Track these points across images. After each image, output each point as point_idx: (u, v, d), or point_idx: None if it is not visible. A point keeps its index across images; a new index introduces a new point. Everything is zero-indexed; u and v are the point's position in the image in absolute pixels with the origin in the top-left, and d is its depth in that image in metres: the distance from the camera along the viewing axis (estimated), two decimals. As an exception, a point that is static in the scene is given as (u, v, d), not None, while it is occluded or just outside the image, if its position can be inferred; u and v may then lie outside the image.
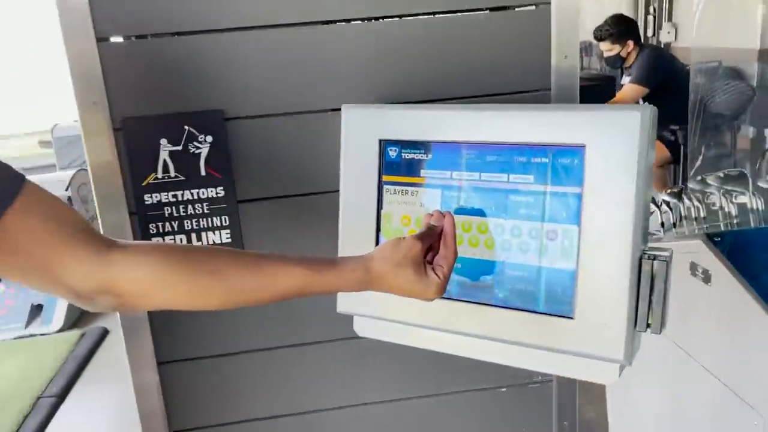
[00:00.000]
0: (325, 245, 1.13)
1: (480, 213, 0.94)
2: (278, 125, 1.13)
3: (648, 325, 0.85)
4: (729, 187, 1.66)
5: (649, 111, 0.83)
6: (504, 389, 1.31)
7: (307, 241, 1.18)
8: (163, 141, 1.11)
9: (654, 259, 0.84)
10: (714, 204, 1.83)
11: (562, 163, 0.88)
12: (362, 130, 1.02)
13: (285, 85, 1.12)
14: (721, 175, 1.67)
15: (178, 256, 0.76)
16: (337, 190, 1.06)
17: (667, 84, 3.42)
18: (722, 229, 1.67)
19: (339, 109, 1.06)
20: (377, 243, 1.02)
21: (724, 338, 1.46)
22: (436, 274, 0.84)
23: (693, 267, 1.55)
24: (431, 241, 0.87)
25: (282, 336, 1.23)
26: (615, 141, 0.84)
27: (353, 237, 1.04)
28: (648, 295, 0.85)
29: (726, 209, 1.74)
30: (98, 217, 1.12)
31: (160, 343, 1.20)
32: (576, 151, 0.87)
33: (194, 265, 0.76)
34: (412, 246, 0.83)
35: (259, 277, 0.79)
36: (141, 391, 1.21)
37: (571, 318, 0.88)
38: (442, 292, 0.85)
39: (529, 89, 1.15)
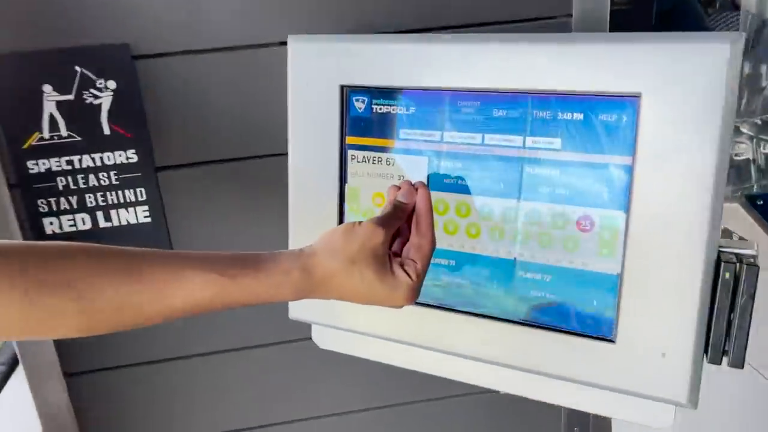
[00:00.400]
0: (274, 225, 0.86)
1: (483, 191, 0.67)
2: (207, 65, 0.84)
3: (724, 354, 0.60)
4: (764, 136, 1.40)
5: (741, 42, 0.55)
6: (502, 392, 1.06)
7: (251, 218, 0.91)
8: (47, 88, 0.81)
9: (739, 262, 0.58)
10: (740, 155, 1.56)
11: (605, 120, 0.60)
12: (317, 72, 0.73)
13: (214, 8, 0.82)
14: (758, 122, 1.40)
15: (11, 261, 0.49)
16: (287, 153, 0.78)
17: (673, 12, 3.11)
18: (755, 190, 1.42)
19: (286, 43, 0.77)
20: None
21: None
22: (407, 273, 0.58)
23: (726, 235, 1.29)
24: (399, 224, 0.61)
25: (218, 338, 0.96)
26: (689, 88, 0.56)
27: (308, 221, 0.77)
28: (727, 311, 0.59)
29: (758, 161, 1.48)
30: (-34, 191, 0.84)
31: (66, 350, 0.93)
32: (626, 103, 0.59)
33: (37, 276, 0.49)
34: (372, 234, 0.56)
35: (140, 288, 0.52)
36: (47, 411, 0.95)
37: (612, 341, 0.62)
38: (414, 298, 0.59)
39: (544, 15, 0.86)
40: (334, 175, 0.74)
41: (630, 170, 0.59)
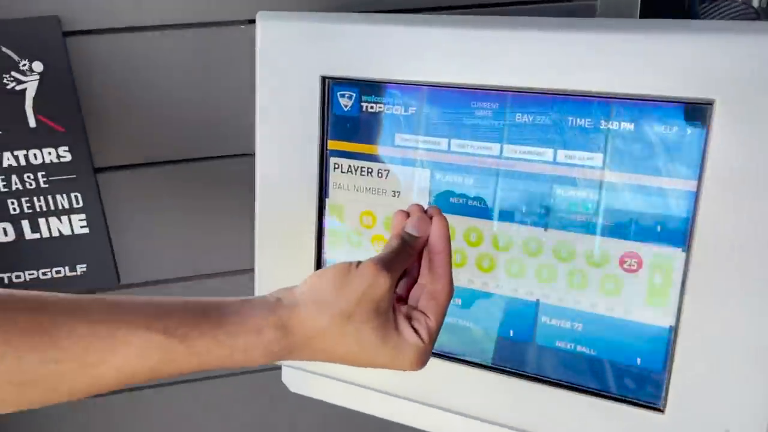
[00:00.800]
0: (238, 241, 0.72)
1: (499, 215, 0.53)
2: (157, 45, 0.68)
3: (803, 433, 0.48)
4: None
5: None
6: None
7: (211, 231, 0.76)
8: (-44, 69, 0.66)
9: (831, 321, 0.46)
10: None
11: (664, 133, 0.47)
12: (292, 59, 0.58)
13: (167, -23, 0.66)
14: None
15: None
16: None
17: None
18: None
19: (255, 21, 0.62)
20: (319, 256, 0.61)
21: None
22: (416, 331, 0.43)
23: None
24: (407, 265, 0.46)
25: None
26: (783, 96, 0.43)
27: (278, 242, 0.63)
28: (812, 383, 0.47)
29: None
30: None
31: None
32: (693, 111, 0.46)
33: None
34: (374, 281, 0.42)
35: (56, 355, 0.37)
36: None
37: (660, 410, 0.50)
38: (424, 363, 0.44)
39: (563, -3, 0.73)
40: (312, 187, 0.60)
41: (693, 198, 0.46)
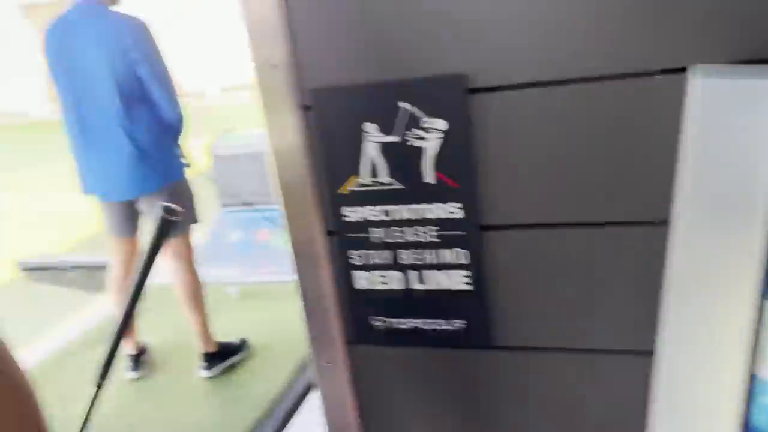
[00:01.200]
0: (634, 323, 0.63)
1: None
2: (560, 100, 0.63)
3: None
4: None
5: None
6: None
7: (601, 307, 0.68)
8: (370, 127, 0.70)
9: None
10: None
11: None
12: (734, 121, 0.47)
13: (580, 26, 0.61)
14: None
15: None
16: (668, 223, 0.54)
17: None
18: None
19: (684, 70, 0.53)
20: (751, 371, 0.48)
21: None
22: None
23: None
24: None
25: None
26: None
27: (690, 338, 0.51)
28: None
29: None
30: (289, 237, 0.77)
31: (362, 386, 0.83)
32: None
33: None
34: None
35: None
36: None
37: None
38: None
39: None
40: (749, 278, 0.47)
41: None
